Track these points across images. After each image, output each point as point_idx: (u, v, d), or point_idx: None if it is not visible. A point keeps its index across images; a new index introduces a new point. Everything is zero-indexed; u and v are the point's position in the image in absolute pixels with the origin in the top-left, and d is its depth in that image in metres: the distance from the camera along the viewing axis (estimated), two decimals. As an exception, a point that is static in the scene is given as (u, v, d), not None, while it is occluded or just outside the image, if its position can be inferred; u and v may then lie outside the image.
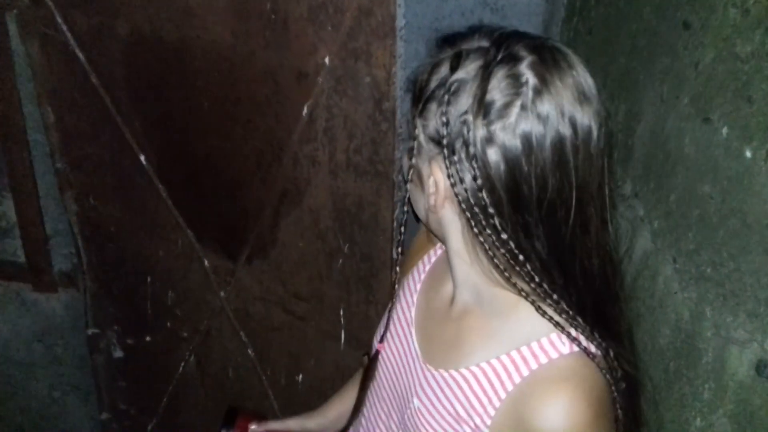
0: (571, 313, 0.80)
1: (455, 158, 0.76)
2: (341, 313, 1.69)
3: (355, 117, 1.45)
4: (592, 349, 0.80)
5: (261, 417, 1.20)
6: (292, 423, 1.22)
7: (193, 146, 1.67)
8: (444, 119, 0.76)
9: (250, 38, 1.47)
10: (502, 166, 0.74)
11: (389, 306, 1.03)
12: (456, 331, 0.90)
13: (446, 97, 0.76)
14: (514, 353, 0.82)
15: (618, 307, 0.86)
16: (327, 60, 1.41)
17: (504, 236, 0.76)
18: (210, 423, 2.05)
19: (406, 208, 0.89)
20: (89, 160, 1.80)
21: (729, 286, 0.80)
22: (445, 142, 0.76)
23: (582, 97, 0.74)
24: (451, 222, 0.83)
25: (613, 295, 0.85)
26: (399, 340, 1.00)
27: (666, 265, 0.95)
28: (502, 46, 0.76)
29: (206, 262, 1.80)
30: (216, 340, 1.91)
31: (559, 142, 0.73)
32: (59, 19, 1.63)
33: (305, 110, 1.49)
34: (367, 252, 1.59)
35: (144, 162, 1.73)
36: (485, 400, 0.83)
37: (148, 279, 1.92)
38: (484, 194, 0.75)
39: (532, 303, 0.81)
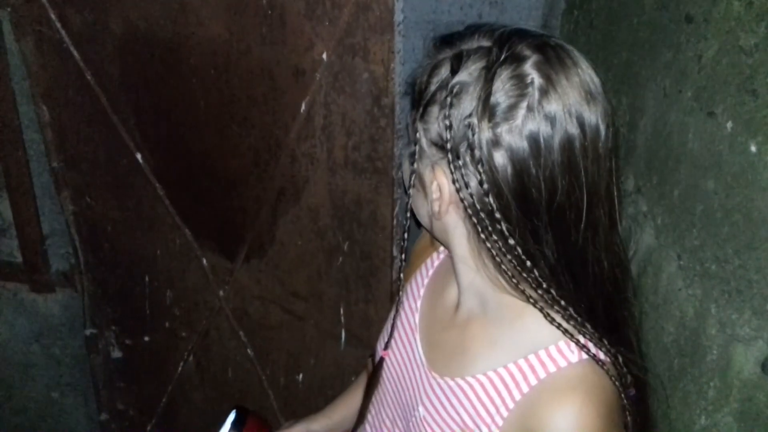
0: (579, 319, 0.78)
1: (460, 162, 0.74)
2: (341, 311, 1.68)
3: (354, 114, 1.44)
4: (601, 356, 0.79)
5: (268, 426, 1.17)
6: (298, 429, 1.19)
7: (190, 144, 1.66)
8: (447, 123, 0.74)
9: (246, 34, 1.46)
10: (510, 170, 0.72)
11: (393, 313, 1.01)
12: (461, 337, 0.88)
13: (448, 99, 0.74)
14: (521, 362, 0.81)
15: (627, 310, 0.85)
16: (324, 56, 1.40)
17: (511, 242, 0.75)
18: (209, 423, 2.04)
19: (408, 215, 0.87)
20: (85, 159, 1.79)
21: (734, 282, 0.79)
22: (448, 146, 0.74)
23: (588, 96, 0.73)
24: (456, 227, 0.81)
25: (622, 299, 0.83)
26: (403, 347, 0.98)
27: (670, 261, 0.93)
28: (505, 45, 0.74)
29: (204, 262, 1.79)
30: (215, 340, 1.90)
31: (567, 143, 0.72)
32: (53, 17, 1.61)
33: (303, 107, 1.47)
34: (367, 250, 1.57)
35: (140, 160, 1.72)
36: (493, 410, 0.82)
37: (146, 279, 1.91)
38: (491, 199, 0.73)
39: (540, 310, 0.79)
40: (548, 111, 0.71)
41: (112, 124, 1.70)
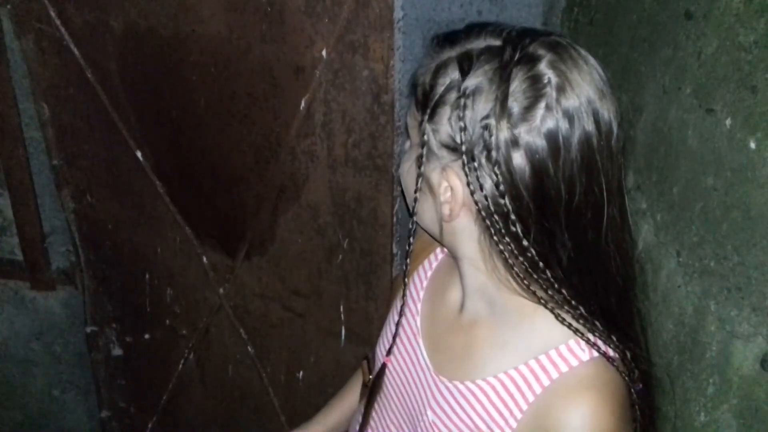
0: (590, 318, 0.78)
1: (475, 164, 0.73)
2: (341, 309, 1.68)
3: (354, 111, 1.44)
4: (610, 352, 0.79)
5: None
6: None
7: (190, 142, 1.66)
8: (462, 124, 0.73)
9: (246, 32, 1.46)
10: (528, 171, 0.72)
11: (396, 318, 0.99)
12: (467, 340, 0.88)
13: (462, 101, 0.73)
14: (532, 363, 0.81)
15: (636, 305, 0.85)
16: (324, 53, 1.40)
17: (525, 243, 0.74)
18: (210, 420, 2.05)
19: (415, 218, 0.85)
20: (86, 157, 1.79)
21: (733, 279, 0.79)
22: (463, 148, 0.73)
23: (601, 93, 0.73)
24: (465, 230, 0.81)
25: (631, 297, 0.83)
26: (405, 351, 0.97)
27: (669, 258, 0.93)
28: (518, 45, 0.73)
29: (205, 259, 1.79)
30: (215, 338, 1.91)
31: (585, 141, 0.72)
32: (53, 15, 1.61)
33: (303, 104, 1.47)
34: (367, 247, 1.57)
35: (141, 158, 1.72)
36: (506, 412, 0.81)
37: (147, 276, 1.91)
38: (507, 201, 0.73)
39: (551, 310, 0.79)
40: (566, 109, 0.71)
41: (113, 122, 1.70)
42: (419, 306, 0.98)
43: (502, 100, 0.71)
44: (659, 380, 0.95)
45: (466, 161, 0.73)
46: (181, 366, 1.99)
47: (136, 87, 1.65)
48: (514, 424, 0.81)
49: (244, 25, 1.45)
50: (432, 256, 1.01)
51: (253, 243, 1.70)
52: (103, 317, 2.02)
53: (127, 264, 1.91)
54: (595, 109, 0.72)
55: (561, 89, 0.71)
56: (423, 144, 0.78)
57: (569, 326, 0.79)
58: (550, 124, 0.71)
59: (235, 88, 1.53)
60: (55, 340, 2.16)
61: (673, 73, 0.94)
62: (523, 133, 0.71)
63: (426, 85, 0.78)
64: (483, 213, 0.75)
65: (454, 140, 0.75)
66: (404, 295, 0.95)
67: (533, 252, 0.75)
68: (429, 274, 1.00)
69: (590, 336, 0.79)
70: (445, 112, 0.75)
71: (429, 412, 0.90)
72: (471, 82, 0.73)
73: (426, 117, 0.77)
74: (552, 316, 0.79)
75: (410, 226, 0.85)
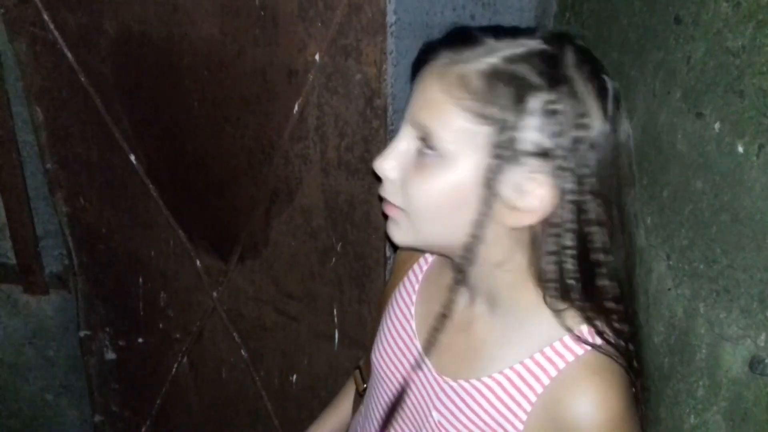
0: (596, 310, 0.81)
1: (568, 165, 0.75)
2: (334, 312, 1.68)
3: (346, 114, 1.44)
4: (612, 339, 0.81)
5: None
6: None
7: (183, 145, 1.66)
8: (556, 129, 0.73)
9: (239, 35, 1.46)
10: (610, 168, 0.76)
11: (390, 326, 1.00)
12: (469, 340, 0.89)
13: (554, 106, 0.73)
14: (538, 356, 0.81)
15: (636, 296, 0.89)
16: (317, 57, 1.40)
17: (596, 245, 0.78)
18: (203, 424, 2.04)
19: (478, 236, 0.82)
20: (79, 161, 1.79)
21: (722, 282, 0.79)
22: (558, 152, 0.74)
23: None
24: (514, 236, 0.80)
25: (634, 286, 0.87)
26: (403, 355, 0.97)
27: (659, 261, 0.94)
28: (572, 47, 0.77)
29: (198, 263, 1.79)
30: (209, 341, 1.90)
31: (630, 135, 0.80)
32: (47, 18, 1.61)
33: (296, 108, 1.48)
34: (360, 251, 1.58)
35: (134, 161, 1.72)
36: (514, 407, 0.82)
37: (140, 280, 1.91)
38: (590, 199, 0.76)
39: (559, 303, 0.82)
40: (624, 111, 0.79)
41: (106, 125, 1.70)
42: (413, 309, 0.98)
43: (600, 99, 0.75)
44: (651, 380, 0.96)
45: (561, 165, 0.74)
46: (174, 370, 1.99)
47: (129, 90, 1.65)
48: (524, 417, 0.81)
49: (237, 29, 1.45)
50: (421, 261, 1.02)
51: (247, 246, 1.71)
52: (96, 321, 2.02)
53: (121, 268, 1.91)
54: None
55: (618, 93, 0.78)
56: (501, 157, 0.75)
57: (573, 317, 0.81)
58: (625, 122, 0.77)
59: (228, 92, 1.53)
60: (49, 344, 2.16)
61: (663, 77, 0.95)
62: (618, 131, 0.77)
63: (492, 97, 0.74)
64: (564, 214, 0.76)
65: (541, 146, 0.74)
66: (395, 301, 0.97)
67: (595, 253, 0.79)
68: (420, 278, 1.01)
69: (597, 324, 0.81)
70: (531, 120, 0.73)
71: (434, 413, 0.90)
72: (566, 87, 0.74)
73: (506, 126, 0.74)
74: (553, 311, 0.82)
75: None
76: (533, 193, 0.76)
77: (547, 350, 0.81)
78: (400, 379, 0.97)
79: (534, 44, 0.76)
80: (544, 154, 0.74)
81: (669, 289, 0.91)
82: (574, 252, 0.78)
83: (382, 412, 1.01)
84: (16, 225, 1.97)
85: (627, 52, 1.08)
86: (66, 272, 2.02)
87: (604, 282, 0.81)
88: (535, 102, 0.73)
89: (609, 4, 1.18)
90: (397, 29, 1.35)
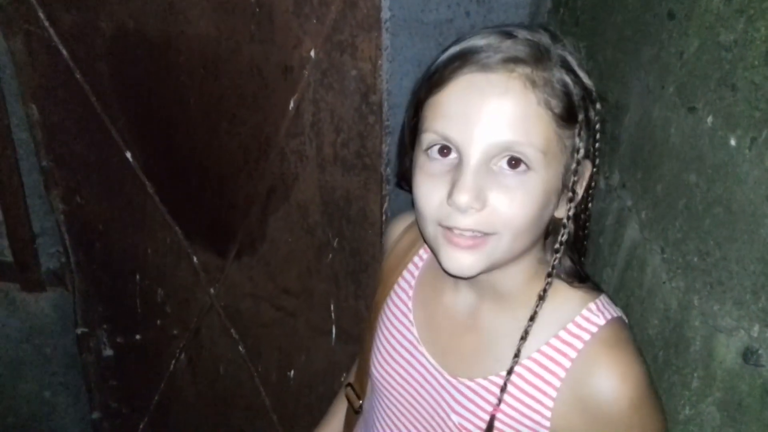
0: (592, 280, 0.87)
1: (600, 146, 0.83)
2: (331, 307, 1.69)
3: (342, 110, 1.45)
4: (617, 310, 0.86)
5: None
6: None
7: (180, 142, 1.66)
8: (599, 117, 0.81)
9: (235, 32, 1.46)
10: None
11: (388, 335, 1.00)
12: (479, 338, 0.89)
13: (594, 94, 0.81)
14: (554, 341, 0.83)
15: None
16: (312, 53, 1.40)
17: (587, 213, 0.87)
18: (201, 420, 2.05)
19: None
20: (75, 158, 1.79)
21: (716, 274, 0.80)
22: (598, 137, 0.82)
23: None
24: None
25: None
26: (408, 363, 0.96)
27: (654, 255, 0.95)
28: (561, 40, 0.81)
29: (195, 259, 1.80)
30: (206, 338, 1.91)
31: None
32: (42, 16, 1.61)
33: (291, 104, 1.48)
34: (356, 246, 1.58)
35: (130, 159, 1.72)
36: (539, 395, 0.82)
37: (137, 277, 1.91)
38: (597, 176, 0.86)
39: (570, 283, 0.86)
40: None
41: (102, 123, 1.70)
42: (411, 317, 0.97)
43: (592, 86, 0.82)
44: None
45: (600, 150, 0.82)
46: (172, 366, 1.99)
47: (125, 88, 1.65)
48: (550, 404, 0.82)
49: (232, 26, 1.46)
50: (411, 266, 1.01)
51: (243, 243, 1.71)
52: (93, 318, 2.02)
53: (118, 265, 1.91)
54: None
55: None
56: (578, 162, 0.80)
57: (587, 290, 0.85)
58: None
59: (224, 89, 1.54)
60: (46, 341, 2.16)
61: (657, 72, 0.96)
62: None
63: (566, 93, 0.78)
64: (593, 189, 0.85)
65: (597, 133, 0.82)
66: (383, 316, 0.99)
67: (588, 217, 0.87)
68: (413, 283, 0.99)
69: (601, 297, 0.85)
70: (594, 112, 0.81)
71: (453, 416, 0.89)
72: (587, 80, 0.81)
73: (581, 123, 0.80)
74: (561, 293, 0.84)
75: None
76: (583, 178, 0.83)
77: (562, 333, 0.83)
78: (409, 389, 0.95)
79: (562, 46, 0.81)
80: (597, 140, 0.81)
81: (663, 282, 0.92)
82: (582, 230, 0.85)
83: (392, 425, 0.99)
84: (12, 222, 1.97)
85: (621, 47, 1.09)
86: (63, 269, 2.02)
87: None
88: (595, 96, 0.81)
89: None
90: (392, 25, 1.35)
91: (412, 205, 0.84)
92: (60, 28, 1.62)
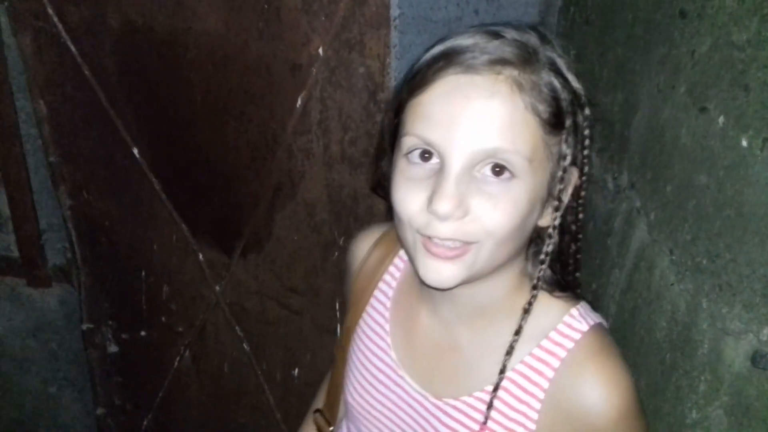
0: (578, 290, 0.84)
1: (589, 153, 0.78)
2: (337, 306, 1.68)
3: (350, 108, 1.44)
4: (598, 316, 0.84)
5: None
6: None
7: (187, 139, 1.66)
8: (589, 122, 0.77)
9: (243, 29, 1.46)
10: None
11: (364, 361, 0.96)
12: (461, 356, 0.86)
13: (583, 99, 0.77)
14: (536, 351, 0.81)
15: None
16: (321, 51, 1.40)
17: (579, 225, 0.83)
18: (205, 418, 2.05)
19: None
20: (82, 154, 1.79)
21: (725, 277, 0.79)
22: (586, 152, 0.78)
23: None
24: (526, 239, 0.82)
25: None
26: (387, 388, 0.92)
27: (662, 257, 0.94)
28: (550, 41, 0.78)
29: (201, 256, 1.79)
30: (211, 335, 1.91)
31: None
32: (51, 11, 1.61)
33: (299, 102, 1.47)
34: (363, 245, 1.57)
35: (137, 155, 1.72)
36: (524, 408, 0.81)
37: (143, 273, 1.91)
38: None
39: (550, 292, 0.83)
40: None
41: (110, 119, 1.70)
42: (388, 339, 0.94)
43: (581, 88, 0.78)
44: (651, 378, 0.96)
45: (590, 156, 0.78)
46: (177, 363, 1.99)
47: (133, 84, 1.65)
48: (535, 416, 0.80)
49: (241, 23, 1.45)
50: (383, 285, 0.96)
51: (250, 240, 1.71)
52: (99, 314, 2.02)
53: (124, 261, 1.91)
54: None
55: None
56: (564, 158, 0.76)
57: (568, 298, 0.83)
58: None
59: (231, 86, 1.53)
60: (51, 337, 2.17)
61: (668, 71, 0.95)
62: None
63: (554, 98, 0.75)
64: (582, 198, 0.80)
65: (588, 139, 0.78)
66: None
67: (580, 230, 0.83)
68: (388, 304, 0.95)
69: (581, 304, 0.83)
70: (583, 117, 0.78)
71: None
72: (576, 84, 0.77)
73: (568, 129, 0.76)
74: (542, 302, 0.82)
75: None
76: (570, 186, 0.79)
77: (545, 342, 0.81)
78: (390, 415, 0.93)
79: (550, 48, 0.77)
80: (575, 153, 0.77)
81: (672, 284, 0.91)
82: (574, 241, 0.82)
83: None
84: (19, 218, 1.97)
85: (631, 46, 1.08)
86: (69, 265, 2.02)
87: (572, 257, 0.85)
88: (584, 100, 0.77)
89: (614, -2, 1.18)
90: (400, 23, 1.35)
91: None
92: (68, 24, 1.62)
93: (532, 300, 0.80)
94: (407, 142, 0.75)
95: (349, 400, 0.97)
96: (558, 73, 0.75)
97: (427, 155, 0.75)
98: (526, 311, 0.81)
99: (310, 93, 1.46)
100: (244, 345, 1.86)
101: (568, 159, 0.76)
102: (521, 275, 0.84)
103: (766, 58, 0.72)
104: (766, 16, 0.73)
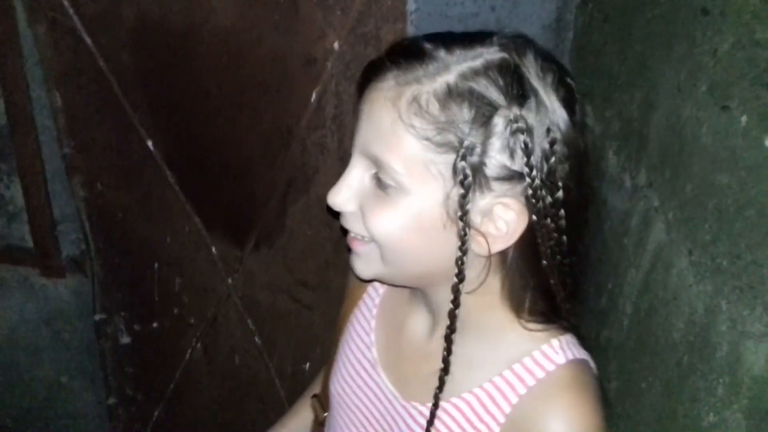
0: (567, 323, 0.80)
1: (542, 184, 0.70)
2: (348, 301, 1.68)
3: (364, 103, 1.43)
4: (583, 353, 0.80)
5: None
6: None
7: (201, 132, 1.66)
8: (529, 147, 0.68)
9: (258, 23, 1.45)
10: (576, 178, 0.73)
11: (349, 353, 0.98)
12: (434, 364, 0.84)
13: (521, 124, 0.68)
14: (506, 373, 0.80)
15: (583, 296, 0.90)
16: (336, 45, 1.39)
17: (566, 260, 0.76)
18: (216, 409, 2.05)
19: (462, 275, 0.76)
20: (97, 145, 1.80)
21: (746, 278, 0.78)
22: (534, 172, 0.69)
23: None
24: (487, 260, 0.76)
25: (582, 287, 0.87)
26: (365, 383, 0.94)
27: (681, 257, 0.93)
28: (526, 50, 0.71)
29: (213, 249, 1.80)
30: (223, 328, 1.91)
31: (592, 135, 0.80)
32: (66, 3, 1.61)
33: (313, 96, 1.47)
34: (375, 240, 1.57)
35: (151, 147, 1.72)
36: (482, 427, 0.80)
37: (156, 265, 1.91)
38: (561, 216, 0.73)
39: (532, 320, 0.80)
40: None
41: (124, 111, 1.70)
42: (372, 337, 0.95)
43: (565, 106, 0.71)
44: (667, 380, 0.95)
45: (537, 185, 0.69)
46: (188, 355, 2.00)
47: (147, 76, 1.65)
48: None
49: (256, 16, 1.45)
50: (376, 285, 0.98)
51: (262, 234, 1.71)
52: (111, 305, 2.03)
53: (137, 252, 1.92)
54: None
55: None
56: (467, 184, 0.69)
57: (542, 330, 0.80)
58: (587, 113, 0.75)
59: (246, 79, 1.53)
60: (64, 327, 2.18)
61: (689, 69, 0.93)
62: (583, 132, 0.73)
63: (451, 121, 0.69)
64: (543, 233, 0.72)
65: (509, 169, 0.70)
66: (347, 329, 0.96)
67: (567, 263, 0.76)
68: (377, 301, 0.97)
69: (565, 336, 0.80)
70: (495, 142, 0.69)
71: None
72: (522, 102, 0.68)
73: (479, 152, 0.69)
74: (529, 327, 0.80)
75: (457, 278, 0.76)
76: (503, 219, 0.72)
77: (516, 367, 0.79)
78: (363, 410, 0.94)
79: (491, 53, 0.69)
80: (512, 177, 0.70)
81: (690, 285, 0.90)
82: (548, 267, 0.76)
83: None
84: (33, 209, 1.98)
85: (651, 44, 1.07)
86: (82, 256, 2.03)
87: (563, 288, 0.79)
88: (499, 122, 0.68)
89: (633, -6, 1.16)
90: (416, 18, 1.34)
91: None
92: (84, 16, 1.62)
93: (454, 303, 0.77)
94: None
95: (331, 387, 1.00)
96: (453, 87, 0.68)
97: None
98: (453, 311, 0.78)
99: (325, 87, 1.45)
100: (256, 338, 1.86)
101: (467, 180, 0.69)
102: (500, 296, 0.80)
103: (791, 57, 0.71)
104: (792, 14, 0.72)
